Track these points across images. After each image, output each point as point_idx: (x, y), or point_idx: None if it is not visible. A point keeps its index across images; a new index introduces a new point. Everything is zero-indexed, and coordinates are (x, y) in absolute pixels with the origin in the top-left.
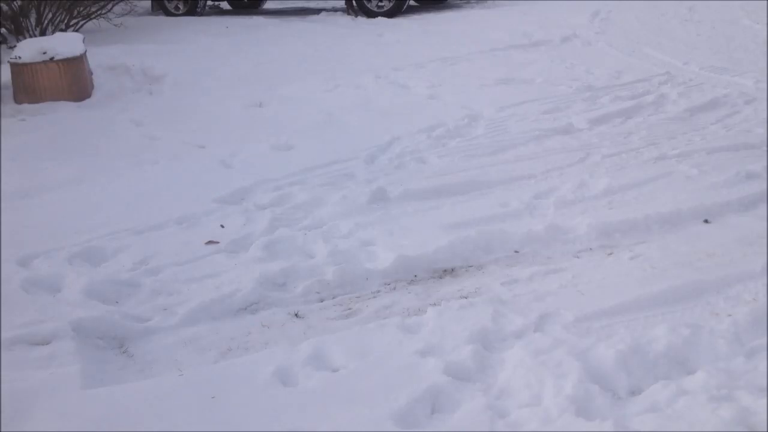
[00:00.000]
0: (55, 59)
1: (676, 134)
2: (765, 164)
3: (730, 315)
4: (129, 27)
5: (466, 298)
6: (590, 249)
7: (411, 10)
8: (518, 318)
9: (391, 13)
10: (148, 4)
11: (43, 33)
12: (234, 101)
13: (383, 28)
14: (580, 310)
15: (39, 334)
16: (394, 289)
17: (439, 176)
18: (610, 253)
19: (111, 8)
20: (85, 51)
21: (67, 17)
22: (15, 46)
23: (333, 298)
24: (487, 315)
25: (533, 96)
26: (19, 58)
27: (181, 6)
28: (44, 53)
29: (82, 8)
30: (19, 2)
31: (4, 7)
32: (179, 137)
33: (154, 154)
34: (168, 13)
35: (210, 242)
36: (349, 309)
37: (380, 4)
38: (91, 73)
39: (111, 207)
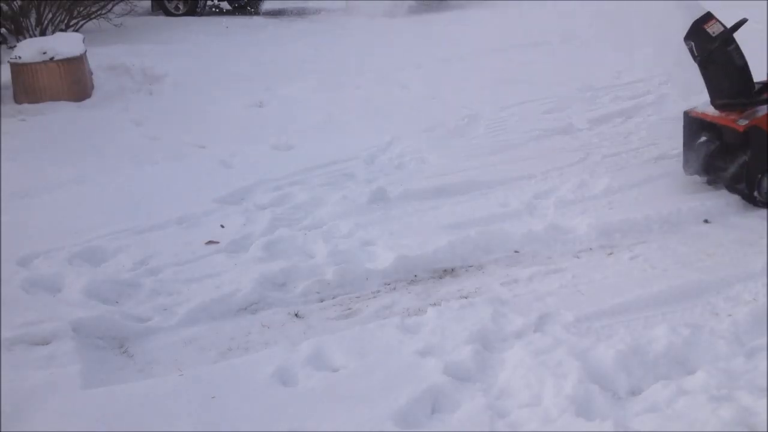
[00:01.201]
0: (55, 59)
1: (676, 134)
2: None
3: (730, 315)
4: (129, 27)
5: (466, 298)
6: (590, 249)
7: (411, 10)
8: (518, 318)
9: (391, 13)
10: (148, 4)
11: (43, 33)
12: (234, 101)
13: (383, 28)
14: (580, 310)
15: (39, 334)
16: (394, 289)
17: (439, 176)
18: (610, 253)
19: (111, 8)
20: (85, 51)
21: (67, 17)
22: (15, 46)
23: (333, 298)
24: (487, 315)
25: (533, 96)
26: (19, 58)
27: (181, 6)
28: (44, 53)
29: (82, 8)
30: (19, 2)
31: (4, 7)
32: (179, 137)
33: (154, 154)
34: (168, 13)
35: (210, 242)
36: (349, 309)
37: (380, 4)
38: (91, 73)
39: (111, 207)
